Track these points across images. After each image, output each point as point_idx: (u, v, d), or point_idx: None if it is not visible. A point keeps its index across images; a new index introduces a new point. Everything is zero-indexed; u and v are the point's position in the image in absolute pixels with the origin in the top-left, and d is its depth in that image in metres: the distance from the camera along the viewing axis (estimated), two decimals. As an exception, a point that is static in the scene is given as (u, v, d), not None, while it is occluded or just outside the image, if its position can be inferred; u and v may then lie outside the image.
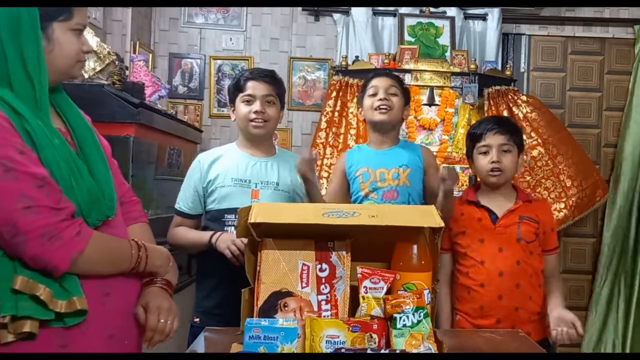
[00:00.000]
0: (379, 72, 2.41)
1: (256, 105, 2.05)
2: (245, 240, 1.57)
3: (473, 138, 2.13)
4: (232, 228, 2.00)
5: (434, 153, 3.45)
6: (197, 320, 2.08)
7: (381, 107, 2.20)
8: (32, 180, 1.13)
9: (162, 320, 1.32)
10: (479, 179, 2.24)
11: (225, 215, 2.04)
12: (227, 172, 2.07)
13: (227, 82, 3.90)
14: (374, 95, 2.23)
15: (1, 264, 1.15)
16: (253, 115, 2.05)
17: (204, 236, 2.02)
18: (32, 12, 1.20)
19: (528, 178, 3.53)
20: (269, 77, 2.11)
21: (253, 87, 2.07)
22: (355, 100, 3.50)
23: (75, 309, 1.17)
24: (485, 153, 2.07)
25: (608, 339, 3.87)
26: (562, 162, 3.56)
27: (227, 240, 1.93)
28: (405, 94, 2.30)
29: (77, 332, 1.20)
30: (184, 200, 2.12)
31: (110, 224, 1.32)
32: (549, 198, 3.51)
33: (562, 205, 3.54)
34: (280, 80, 2.16)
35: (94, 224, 1.26)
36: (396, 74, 2.52)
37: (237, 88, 2.10)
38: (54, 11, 1.23)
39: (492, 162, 2.05)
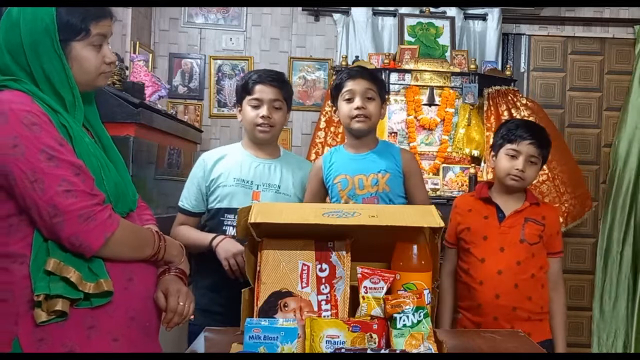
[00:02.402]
0: (352, 72, 2.15)
1: (263, 110, 2.04)
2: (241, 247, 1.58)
3: (505, 138, 2.12)
4: (231, 228, 2.00)
5: (434, 153, 3.48)
6: (192, 317, 2.04)
7: (358, 116, 2.08)
8: (71, 168, 1.25)
9: (181, 303, 1.40)
10: (488, 178, 2.24)
11: (225, 214, 2.04)
12: (230, 171, 2.07)
13: (227, 82, 3.91)
14: (350, 100, 2.10)
15: (37, 247, 1.24)
16: (260, 120, 2.04)
17: (205, 237, 2.02)
18: (52, 36, 1.28)
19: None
20: (277, 80, 2.09)
21: (261, 91, 2.05)
22: (329, 100, 3.42)
23: (103, 290, 1.26)
24: (512, 157, 2.08)
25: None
26: (556, 168, 3.53)
27: (228, 251, 1.92)
28: (382, 91, 2.16)
29: (103, 313, 1.29)
30: (188, 198, 2.12)
31: (131, 218, 1.42)
32: None
33: None
34: (288, 83, 2.15)
35: (120, 215, 1.35)
36: (369, 69, 2.29)
37: (245, 90, 2.08)
38: (71, 32, 1.30)
39: (517, 169, 2.06)
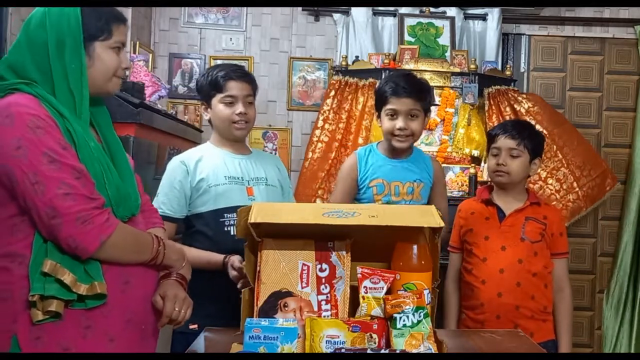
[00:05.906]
0: (398, 89, 2.06)
1: (239, 107, 1.99)
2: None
3: (488, 139, 2.21)
4: (233, 228, 1.94)
5: (434, 153, 3.48)
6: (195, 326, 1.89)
7: (400, 135, 2.07)
8: (72, 172, 1.28)
9: (176, 309, 1.42)
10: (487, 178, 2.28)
11: (225, 214, 1.96)
12: (217, 170, 1.99)
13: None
14: (393, 117, 2.06)
15: (37, 248, 1.27)
16: (236, 117, 1.99)
17: (211, 257, 1.89)
18: (76, 35, 1.33)
19: (539, 170, 3.49)
20: (247, 76, 2.05)
21: (233, 88, 1.99)
22: (327, 99, 3.53)
23: (96, 293, 1.29)
24: (495, 155, 2.13)
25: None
26: (569, 153, 3.57)
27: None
28: (427, 104, 2.13)
29: (98, 314, 1.32)
30: (167, 203, 1.96)
31: (134, 222, 1.44)
32: (561, 189, 3.52)
33: (575, 197, 3.55)
34: (254, 77, 2.11)
35: (121, 219, 1.37)
36: (416, 82, 2.15)
37: (215, 88, 2.00)
38: (96, 31, 1.37)
39: (498, 164, 2.10)
